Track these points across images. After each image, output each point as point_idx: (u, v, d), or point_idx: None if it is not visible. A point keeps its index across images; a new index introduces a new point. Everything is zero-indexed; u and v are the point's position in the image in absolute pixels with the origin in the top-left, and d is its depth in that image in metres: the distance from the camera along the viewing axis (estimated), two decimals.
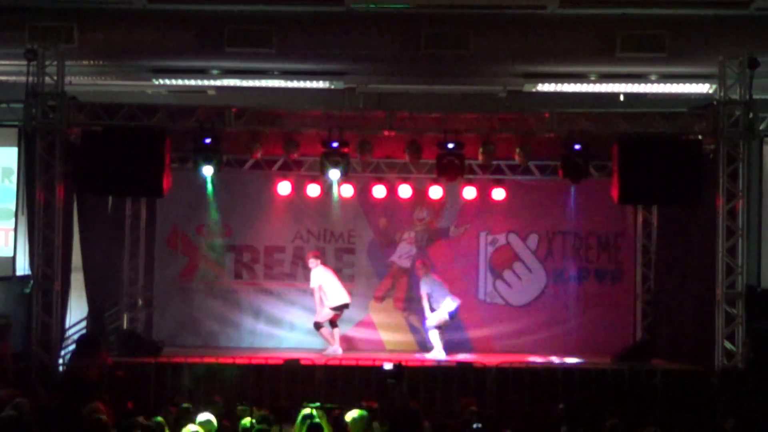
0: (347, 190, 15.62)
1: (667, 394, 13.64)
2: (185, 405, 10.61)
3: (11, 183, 15.27)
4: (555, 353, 15.69)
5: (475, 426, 9.85)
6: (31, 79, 13.79)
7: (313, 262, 15.71)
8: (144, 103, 14.71)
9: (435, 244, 16.74)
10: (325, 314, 15.50)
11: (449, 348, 15.51)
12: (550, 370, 14.02)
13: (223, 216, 16.63)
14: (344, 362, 14.29)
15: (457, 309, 15.47)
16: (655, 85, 15.01)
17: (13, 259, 15.14)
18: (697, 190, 14.00)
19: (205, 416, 9.76)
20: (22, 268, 15.02)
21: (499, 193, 15.77)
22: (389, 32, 14.16)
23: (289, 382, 13.71)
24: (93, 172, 14.06)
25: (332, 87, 15.41)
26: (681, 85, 15.05)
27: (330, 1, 13.91)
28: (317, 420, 9.35)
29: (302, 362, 14.03)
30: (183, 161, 15.16)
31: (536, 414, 12.15)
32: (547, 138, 14.36)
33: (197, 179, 14.91)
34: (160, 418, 9.58)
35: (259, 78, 15.10)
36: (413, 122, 14.35)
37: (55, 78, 13.92)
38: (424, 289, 15.53)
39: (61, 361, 14.06)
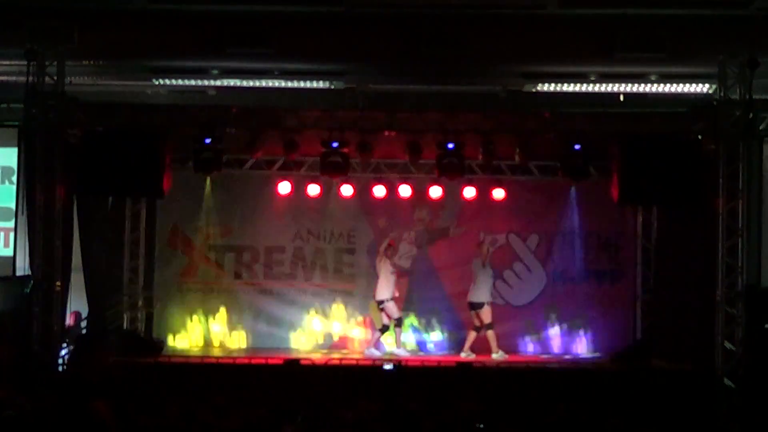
0: (347, 190, 15.62)
1: (667, 394, 13.64)
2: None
3: (11, 183, 15.27)
4: (555, 353, 15.68)
5: (476, 426, 9.85)
6: (31, 79, 13.78)
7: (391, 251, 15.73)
8: (144, 103, 14.73)
9: (435, 244, 16.73)
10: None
11: (449, 347, 15.51)
12: (550, 370, 14.02)
13: (223, 216, 16.65)
14: (344, 362, 14.31)
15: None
16: (655, 85, 15.01)
17: (13, 259, 15.13)
18: (697, 190, 14.00)
19: None
20: (22, 268, 15.01)
21: (499, 193, 15.75)
22: (389, 32, 14.15)
23: (289, 382, 13.73)
24: (93, 173, 14.06)
25: (332, 87, 15.40)
26: (681, 85, 15.04)
27: (330, 1, 13.91)
28: None
29: (302, 362, 14.05)
30: (183, 161, 15.18)
31: (536, 414, 12.13)
32: (547, 138, 14.36)
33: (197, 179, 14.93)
34: None
35: (259, 78, 15.09)
36: (413, 122, 14.35)
37: (55, 78, 13.92)
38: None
39: (61, 360, 14.08)
